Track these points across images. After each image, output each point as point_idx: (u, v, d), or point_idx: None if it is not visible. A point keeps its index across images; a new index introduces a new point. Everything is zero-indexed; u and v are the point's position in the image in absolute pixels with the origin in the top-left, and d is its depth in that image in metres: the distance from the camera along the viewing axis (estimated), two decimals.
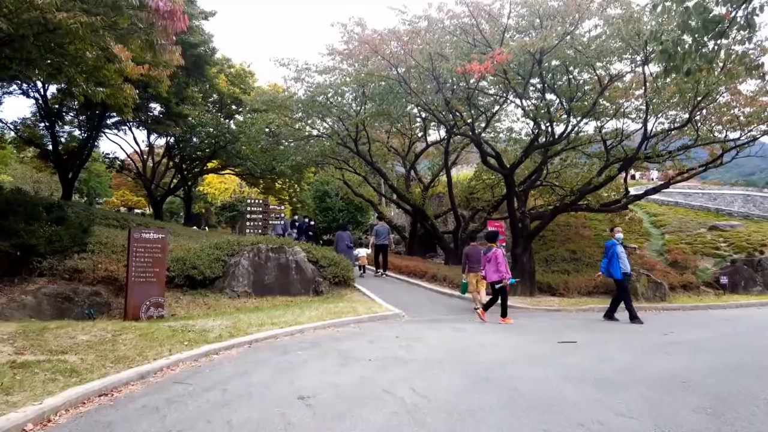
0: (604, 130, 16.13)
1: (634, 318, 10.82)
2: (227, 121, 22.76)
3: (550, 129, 12.83)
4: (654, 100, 11.69)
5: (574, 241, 21.68)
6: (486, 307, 10.81)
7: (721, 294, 15.94)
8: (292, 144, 22.20)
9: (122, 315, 10.08)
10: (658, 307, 14.18)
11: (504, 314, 10.74)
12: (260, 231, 15.35)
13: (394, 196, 35.22)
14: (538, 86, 12.80)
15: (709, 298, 15.67)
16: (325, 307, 10.88)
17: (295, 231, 19.36)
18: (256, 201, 16.90)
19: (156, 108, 22.21)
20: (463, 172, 33.35)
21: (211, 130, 22.02)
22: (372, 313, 10.38)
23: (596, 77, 12.80)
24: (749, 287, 16.28)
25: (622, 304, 11.19)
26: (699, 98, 11.58)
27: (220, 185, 52.70)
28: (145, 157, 29.08)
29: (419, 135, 23.64)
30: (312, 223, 19.17)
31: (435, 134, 23.81)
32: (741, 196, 31.99)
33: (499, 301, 10.90)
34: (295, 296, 12.64)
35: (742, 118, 12.47)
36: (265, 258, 12.74)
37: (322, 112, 19.14)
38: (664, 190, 17.20)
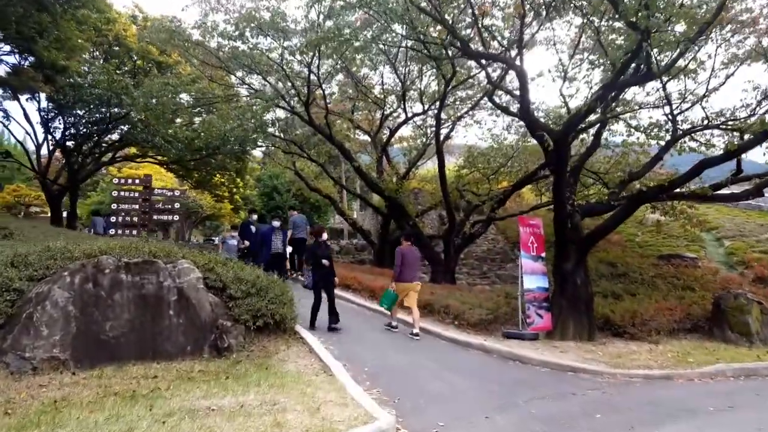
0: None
1: None
2: (127, 79, 16.05)
3: (649, 48, 6.97)
4: None
5: (603, 249, 15.98)
6: None
7: None
8: (214, 114, 15.79)
9: None
10: None
11: None
12: (137, 232, 8.69)
13: (359, 190, 29.04)
14: None
15: None
16: (209, 410, 4.61)
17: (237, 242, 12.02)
18: (128, 180, 9.91)
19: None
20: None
21: (106, 92, 15.31)
22: None
23: None
24: None
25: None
26: None
27: (156, 182, 45.31)
28: (38, 138, 21.72)
29: (394, 107, 17.58)
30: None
31: (416, 107, 17.80)
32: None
33: None
34: (171, 361, 6.33)
35: None
36: (111, 284, 6.36)
37: (255, 64, 12.90)
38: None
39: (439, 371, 6.69)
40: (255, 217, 12.81)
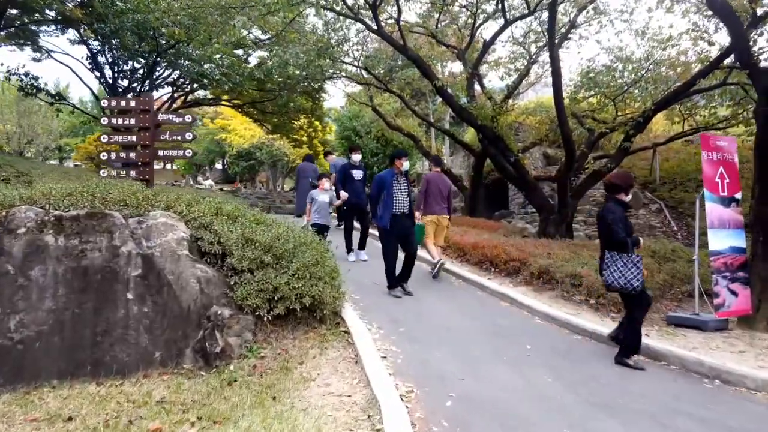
0: None
1: None
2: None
3: None
4: None
5: None
6: None
7: None
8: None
9: None
10: None
11: None
12: (139, 173, 6.12)
13: (449, 123, 25.69)
14: None
15: None
16: None
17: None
18: (120, 101, 6.98)
19: None
20: (546, 94, 22.84)
21: (145, 15, 12.99)
22: None
23: None
24: None
25: None
26: None
27: (246, 132, 44.41)
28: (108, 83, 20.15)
29: (489, 12, 13.78)
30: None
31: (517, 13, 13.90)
32: None
33: None
34: (123, 378, 3.84)
35: None
36: (27, 252, 3.88)
37: None
38: None
39: (583, 411, 3.63)
40: (358, 157, 8.82)
